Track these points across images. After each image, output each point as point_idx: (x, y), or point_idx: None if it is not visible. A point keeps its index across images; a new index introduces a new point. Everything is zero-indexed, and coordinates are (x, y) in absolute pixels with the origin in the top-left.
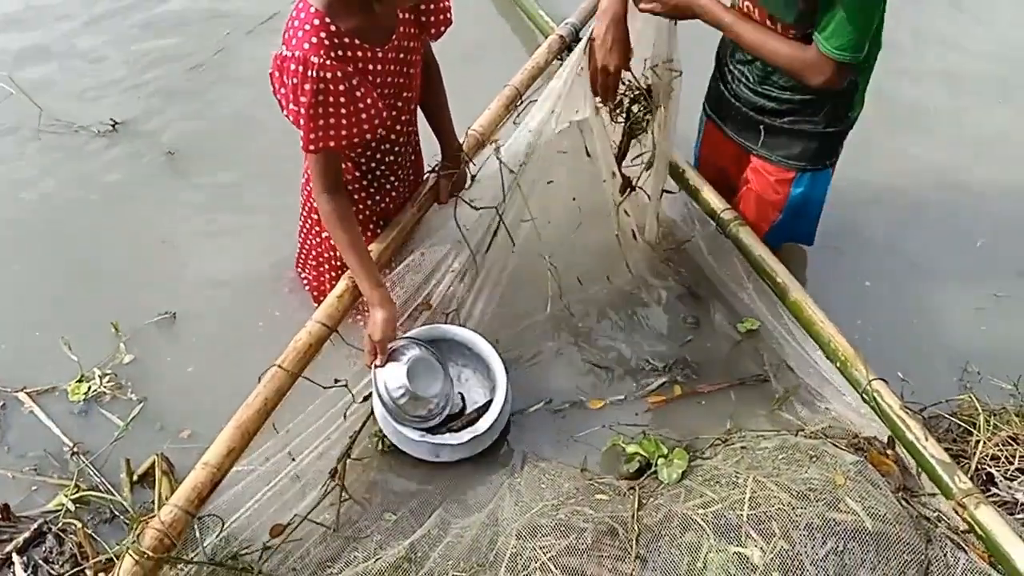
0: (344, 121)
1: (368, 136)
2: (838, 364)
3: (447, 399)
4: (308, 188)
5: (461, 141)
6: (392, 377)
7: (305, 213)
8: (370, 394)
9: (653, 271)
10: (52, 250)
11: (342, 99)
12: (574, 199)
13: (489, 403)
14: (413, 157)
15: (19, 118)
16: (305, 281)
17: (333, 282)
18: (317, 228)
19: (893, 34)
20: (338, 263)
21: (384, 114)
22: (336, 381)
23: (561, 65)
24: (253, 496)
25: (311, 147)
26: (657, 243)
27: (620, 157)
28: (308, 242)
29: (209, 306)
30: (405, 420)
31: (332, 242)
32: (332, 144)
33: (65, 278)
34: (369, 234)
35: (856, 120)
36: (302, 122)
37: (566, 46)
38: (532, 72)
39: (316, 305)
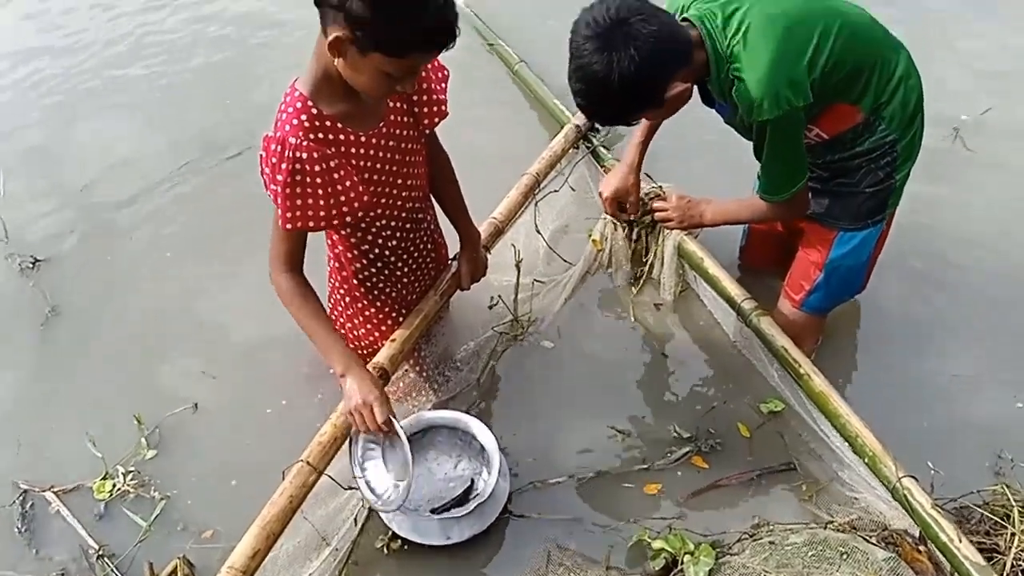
0: (321, 202)
1: (348, 218)
2: (866, 460)
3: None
4: (333, 276)
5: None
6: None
7: (332, 300)
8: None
9: (672, 342)
10: (74, 336)
11: (318, 179)
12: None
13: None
14: (430, 245)
15: None
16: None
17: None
18: (339, 312)
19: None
20: (365, 349)
21: (365, 198)
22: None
23: (577, 152)
24: None
25: (287, 225)
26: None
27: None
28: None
29: (231, 394)
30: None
31: (339, 327)
32: (310, 224)
33: (87, 369)
34: (390, 322)
35: (906, 178)
36: (279, 200)
37: (582, 135)
38: (550, 160)
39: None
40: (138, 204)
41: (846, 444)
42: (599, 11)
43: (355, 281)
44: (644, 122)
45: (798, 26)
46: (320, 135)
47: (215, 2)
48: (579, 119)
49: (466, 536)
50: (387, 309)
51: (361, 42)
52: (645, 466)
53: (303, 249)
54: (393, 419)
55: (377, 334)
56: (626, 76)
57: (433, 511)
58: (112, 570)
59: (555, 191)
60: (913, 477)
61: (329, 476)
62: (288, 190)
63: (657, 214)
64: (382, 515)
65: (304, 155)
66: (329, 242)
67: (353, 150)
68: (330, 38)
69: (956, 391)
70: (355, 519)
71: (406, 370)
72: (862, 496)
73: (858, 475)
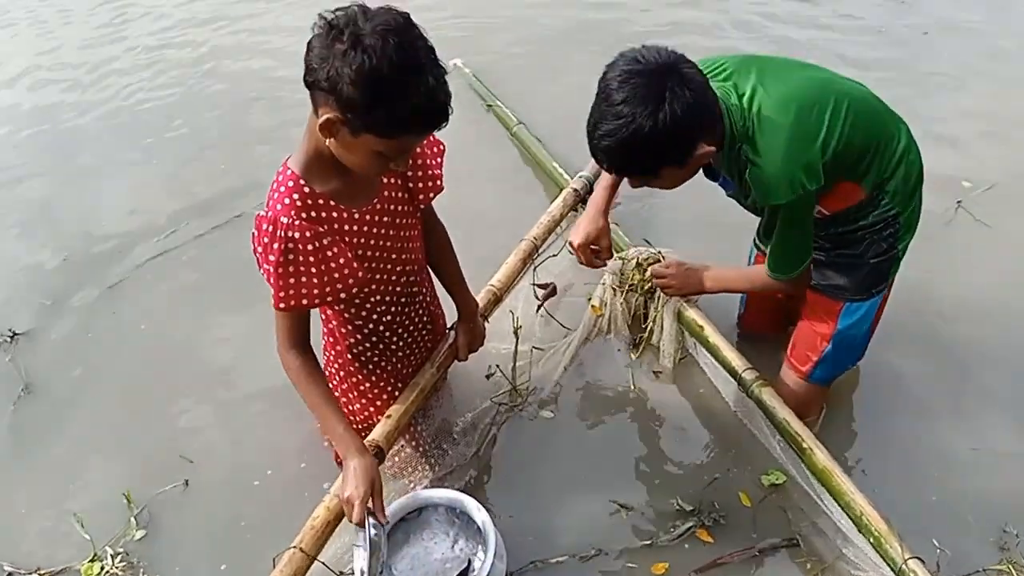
0: (315, 280)
1: (343, 295)
2: (871, 540)
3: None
4: (327, 350)
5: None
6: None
7: (327, 373)
8: None
9: (673, 411)
10: (52, 417)
11: (311, 258)
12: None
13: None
14: (426, 318)
15: None
16: (327, 442)
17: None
18: (334, 386)
19: None
20: (360, 423)
21: (360, 274)
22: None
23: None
24: None
25: (281, 305)
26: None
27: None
28: None
29: (223, 471)
30: None
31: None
32: (304, 303)
33: (71, 446)
34: (386, 396)
35: (907, 248)
36: (272, 280)
37: (581, 199)
38: (548, 225)
39: (338, 464)
40: (120, 276)
41: (851, 521)
42: (646, 53)
43: (349, 356)
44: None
45: (809, 108)
46: (312, 213)
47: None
48: (577, 183)
49: None
50: (382, 383)
51: (352, 124)
52: (648, 542)
53: (305, 325)
54: (369, 518)
55: (372, 409)
56: (665, 124)
57: None
58: None
59: (553, 256)
60: (919, 559)
61: (322, 563)
62: (280, 269)
63: (656, 280)
64: None
65: (296, 234)
66: (323, 316)
67: (347, 227)
68: (321, 119)
69: (959, 462)
70: None
71: (402, 445)
72: (867, 575)
73: (863, 554)
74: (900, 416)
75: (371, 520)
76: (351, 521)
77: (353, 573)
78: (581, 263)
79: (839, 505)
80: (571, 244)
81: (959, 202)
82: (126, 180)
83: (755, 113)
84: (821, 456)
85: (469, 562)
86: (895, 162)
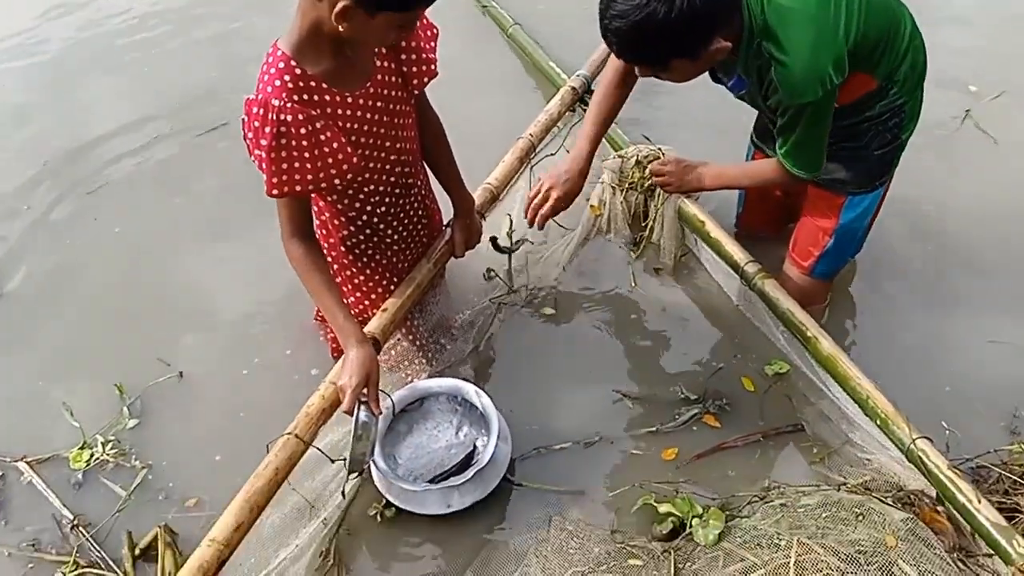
0: (308, 165)
1: (337, 181)
2: (878, 422)
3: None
4: (327, 241)
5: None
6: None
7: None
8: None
9: (674, 306)
10: (49, 312)
11: (304, 142)
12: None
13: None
14: (421, 211)
15: None
16: (323, 333)
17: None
18: (337, 277)
19: None
20: (356, 317)
21: (354, 160)
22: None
23: (573, 115)
24: None
25: (274, 191)
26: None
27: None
28: None
29: (218, 363)
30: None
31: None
32: (297, 189)
33: (66, 338)
34: (380, 290)
35: (909, 139)
36: (264, 165)
37: (579, 97)
38: (546, 124)
39: (334, 357)
40: (104, 177)
41: (857, 406)
42: None
43: (343, 248)
44: (599, 111)
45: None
46: (305, 96)
47: None
48: (575, 81)
49: (467, 503)
50: (377, 277)
51: (367, 5)
52: (653, 429)
53: (306, 213)
54: (360, 406)
55: (367, 302)
56: (682, 12)
57: (433, 480)
58: (87, 539)
59: (551, 155)
60: (928, 438)
61: (317, 448)
62: (273, 154)
63: (655, 178)
64: (379, 487)
65: (289, 117)
66: (315, 208)
67: (340, 111)
68: (337, 8)
69: (966, 350)
70: (343, 491)
71: (398, 339)
72: (875, 457)
73: (870, 436)
74: (904, 311)
75: (362, 412)
76: (342, 408)
77: (344, 460)
78: (531, 222)
79: (845, 391)
80: (547, 191)
81: (968, 111)
82: (110, 87)
83: (774, 6)
84: (826, 344)
85: (474, 447)
86: (903, 49)
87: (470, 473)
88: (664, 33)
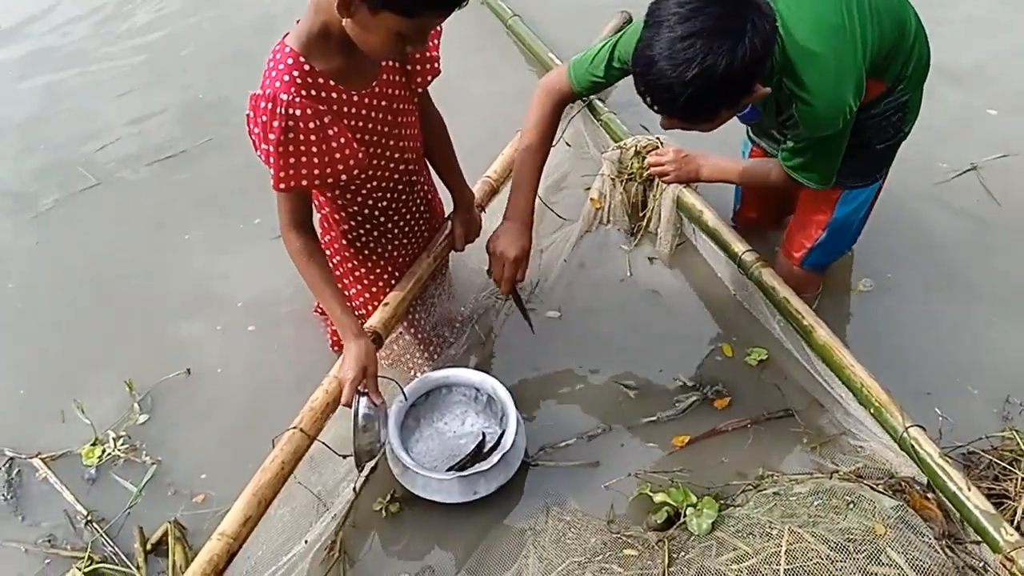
0: (315, 160)
1: (343, 177)
2: (871, 410)
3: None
4: (328, 234)
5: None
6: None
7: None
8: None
9: (671, 296)
10: (58, 309)
11: (312, 137)
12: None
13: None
14: (423, 206)
15: None
16: (323, 325)
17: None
18: (338, 271)
19: None
20: (357, 310)
21: (360, 156)
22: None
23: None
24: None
25: (280, 185)
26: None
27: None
28: None
29: (224, 360)
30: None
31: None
32: (304, 183)
33: (75, 335)
34: (381, 284)
35: (909, 133)
36: (271, 160)
37: None
38: None
39: (336, 350)
40: (112, 171)
41: (851, 394)
42: None
43: (344, 241)
44: (532, 173)
45: (840, 20)
46: (312, 92)
47: None
48: None
49: (492, 489)
50: (378, 270)
51: (372, 1)
52: (653, 419)
53: (307, 206)
54: (363, 399)
55: (368, 295)
56: (743, 62)
57: (450, 469)
58: (101, 535)
59: (551, 146)
60: (920, 426)
61: (323, 443)
62: (281, 148)
63: (653, 169)
64: (401, 480)
65: (297, 112)
66: (316, 203)
67: (346, 108)
68: None
69: (960, 337)
70: (354, 487)
71: (400, 333)
72: (867, 445)
73: (863, 425)
74: (898, 299)
75: (364, 400)
76: (342, 402)
77: (352, 455)
78: (498, 286)
79: (840, 379)
80: (500, 257)
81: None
82: (114, 90)
83: (791, 42)
84: (822, 332)
85: (483, 435)
86: (910, 47)
87: (495, 459)
88: (721, 87)
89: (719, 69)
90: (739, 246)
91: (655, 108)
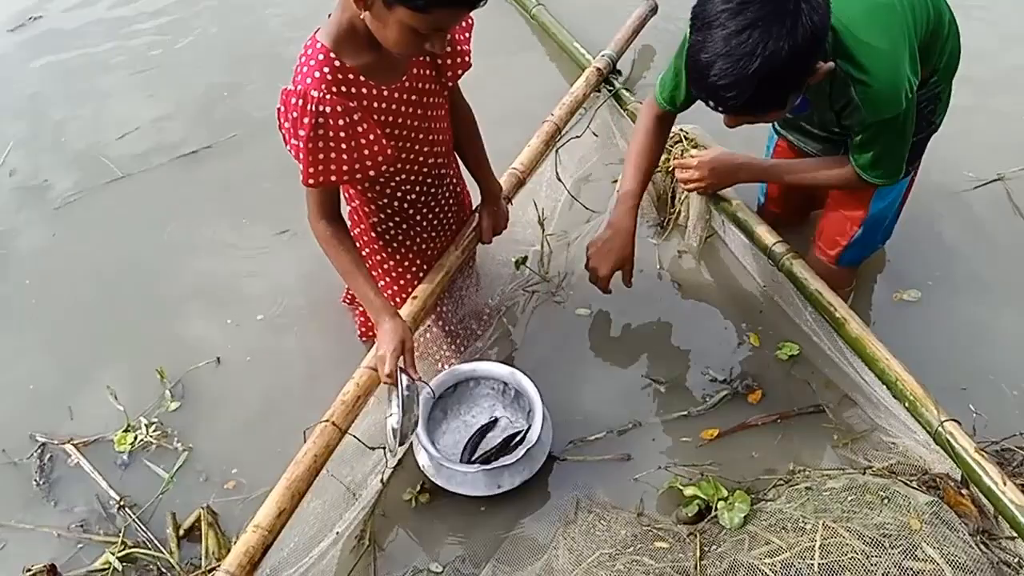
0: (345, 156)
1: (372, 173)
2: (906, 404)
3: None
4: (358, 227)
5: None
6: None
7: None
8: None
9: (701, 289)
10: (90, 299)
11: (342, 133)
12: None
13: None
14: (451, 199)
15: None
16: (352, 312)
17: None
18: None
19: None
20: (390, 299)
21: (389, 152)
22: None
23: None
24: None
25: (310, 181)
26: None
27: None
28: None
29: (253, 349)
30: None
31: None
32: (333, 179)
33: (108, 325)
34: (410, 276)
35: (940, 126)
36: (301, 156)
37: (603, 78)
38: (571, 106)
39: (364, 340)
40: (136, 165)
41: (883, 388)
42: None
43: (374, 234)
44: (636, 180)
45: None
46: (343, 88)
47: None
48: (600, 62)
49: (516, 483)
50: (407, 263)
51: None
52: (684, 413)
53: (335, 197)
54: (400, 374)
55: (396, 287)
56: (806, 38)
57: (473, 461)
58: (134, 520)
59: (576, 137)
60: (956, 420)
61: (354, 436)
62: (311, 144)
63: (685, 186)
64: (426, 471)
65: (327, 108)
66: (346, 196)
67: (376, 104)
68: None
69: (994, 332)
70: (382, 479)
71: (428, 326)
72: (899, 441)
73: (896, 419)
74: (930, 294)
75: (404, 379)
76: (382, 377)
77: (383, 448)
78: (601, 288)
79: (873, 372)
80: (592, 271)
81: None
82: (132, 88)
83: (842, 25)
84: (855, 325)
85: (495, 419)
86: (945, 38)
87: (520, 452)
88: (788, 70)
89: (783, 53)
90: (770, 238)
91: (720, 109)
